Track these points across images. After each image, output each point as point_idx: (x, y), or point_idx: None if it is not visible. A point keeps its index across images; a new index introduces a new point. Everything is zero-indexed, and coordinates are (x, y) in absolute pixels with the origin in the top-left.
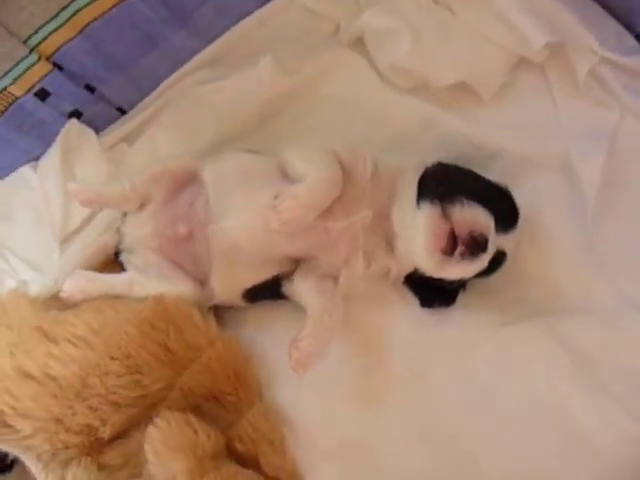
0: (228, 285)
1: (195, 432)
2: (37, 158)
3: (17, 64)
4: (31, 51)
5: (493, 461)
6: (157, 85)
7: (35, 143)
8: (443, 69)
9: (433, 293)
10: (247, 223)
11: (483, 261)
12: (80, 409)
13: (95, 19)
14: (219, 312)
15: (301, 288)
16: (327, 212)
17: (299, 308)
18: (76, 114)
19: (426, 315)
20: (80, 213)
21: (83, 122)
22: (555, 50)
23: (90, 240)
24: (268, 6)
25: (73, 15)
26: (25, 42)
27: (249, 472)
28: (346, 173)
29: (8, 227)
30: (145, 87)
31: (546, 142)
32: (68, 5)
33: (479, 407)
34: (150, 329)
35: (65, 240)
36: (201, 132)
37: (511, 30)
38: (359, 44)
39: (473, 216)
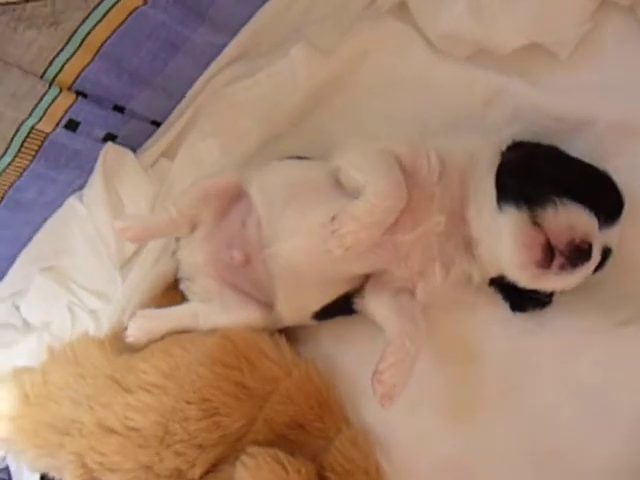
0: (295, 309)
1: (285, 469)
2: (81, 187)
3: (40, 101)
4: (50, 85)
5: (602, 477)
6: (187, 90)
7: (75, 174)
8: (507, 31)
9: (524, 296)
10: (303, 246)
11: (587, 269)
12: (166, 455)
13: (108, 38)
14: (292, 330)
15: (375, 306)
16: (394, 224)
17: None
18: (110, 137)
19: (520, 320)
20: None
21: (119, 143)
22: None
23: (147, 266)
24: None
25: (84, 39)
26: (42, 77)
27: None
28: (409, 176)
29: (69, 260)
30: (176, 94)
31: None
32: (76, 30)
33: (588, 420)
34: (222, 368)
35: (124, 266)
36: (241, 135)
37: None
38: (402, 11)
39: (571, 220)
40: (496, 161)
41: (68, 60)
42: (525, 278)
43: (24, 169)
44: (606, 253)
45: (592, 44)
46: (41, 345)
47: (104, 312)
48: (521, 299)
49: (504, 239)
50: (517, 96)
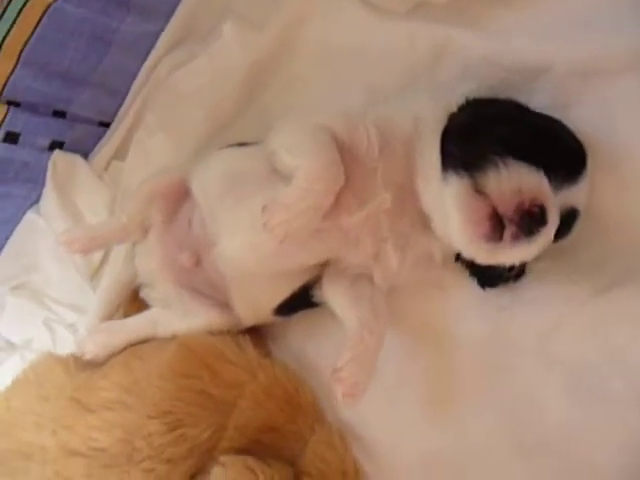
0: (252, 307)
1: (256, 477)
2: (38, 200)
3: None
4: None
5: (606, 456)
6: (130, 85)
7: (28, 187)
8: None
9: (492, 269)
10: (243, 241)
11: (546, 235)
12: (136, 473)
13: (27, 40)
14: (261, 328)
15: (332, 297)
16: (336, 206)
17: None
18: (57, 145)
19: (494, 296)
20: None
21: (68, 150)
22: None
23: (115, 273)
24: None
25: (1, 44)
26: None
27: None
28: (348, 151)
29: (39, 275)
30: (119, 91)
31: (606, 39)
32: None
33: (579, 401)
34: (182, 378)
35: (94, 275)
36: (190, 126)
37: None
38: None
39: (516, 181)
40: (442, 125)
41: None
42: (478, 254)
43: None
44: (572, 214)
45: None
46: (25, 363)
47: (81, 323)
48: (490, 273)
49: (450, 213)
50: (465, 49)
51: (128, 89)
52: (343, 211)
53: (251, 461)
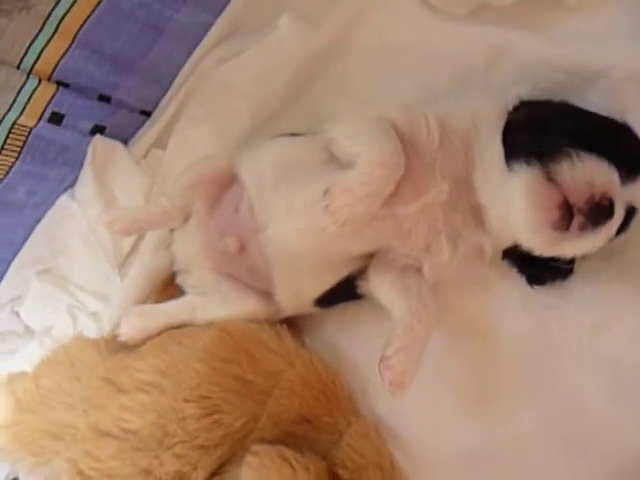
0: (295, 296)
1: (292, 467)
2: (73, 184)
3: (18, 93)
4: (28, 75)
5: None
6: (175, 76)
7: (66, 170)
8: None
9: (541, 267)
10: (296, 226)
11: (610, 229)
12: (166, 458)
13: (84, 22)
14: (293, 320)
15: (380, 288)
16: (393, 196)
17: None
18: (98, 129)
19: (540, 293)
20: None
21: (109, 136)
22: None
23: (145, 262)
24: None
25: (59, 24)
26: (18, 67)
27: None
28: (408, 143)
29: (66, 261)
30: (164, 81)
31: None
32: (50, 14)
33: (622, 401)
34: (220, 363)
35: (122, 264)
36: (234, 117)
37: None
38: None
39: (589, 173)
40: (502, 121)
41: (45, 47)
42: (541, 243)
43: (10, 167)
44: (630, 212)
45: None
46: (43, 350)
47: (104, 312)
48: (538, 271)
49: (516, 201)
50: (523, 51)
51: (173, 79)
52: (400, 200)
53: (286, 450)
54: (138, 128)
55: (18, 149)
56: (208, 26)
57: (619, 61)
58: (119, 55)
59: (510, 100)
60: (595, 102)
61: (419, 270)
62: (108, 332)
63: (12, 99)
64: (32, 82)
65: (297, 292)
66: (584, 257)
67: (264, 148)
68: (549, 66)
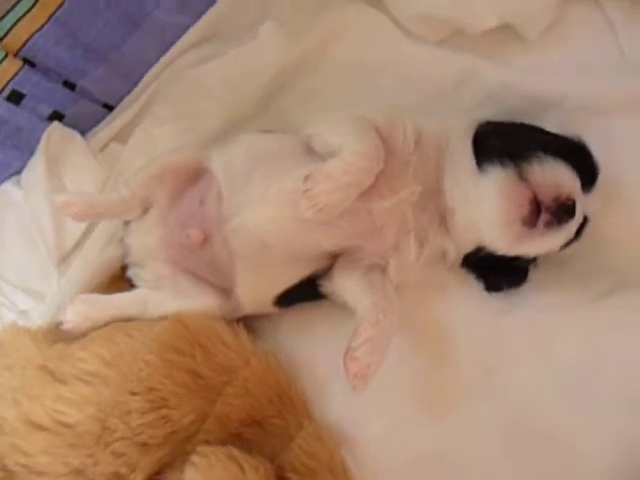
0: (256, 292)
1: (240, 467)
2: (19, 171)
3: None
4: None
5: (595, 460)
6: (145, 72)
7: (14, 154)
8: (482, 11)
9: (498, 273)
10: (272, 213)
11: (570, 230)
12: (103, 457)
13: (62, 3)
14: (248, 321)
15: (345, 286)
16: (368, 191)
17: (340, 308)
18: (57, 116)
19: (494, 300)
20: (76, 228)
21: (65, 124)
22: None
23: (91, 257)
24: None
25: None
26: None
27: None
28: (385, 142)
29: None
30: (132, 76)
31: (614, 81)
32: None
33: (572, 403)
34: (173, 355)
35: (63, 260)
36: (201, 120)
37: None
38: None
39: (557, 176)
40: (471, 133)
41: (19, 20)
42: (509, 239)
43: None
44: (583, 223)
45: (559, 28)
46: None
47: (35, 311)
48: (495, 278)
49: (488, 198)
50: (488, 77)
51: (142, 75)
52: (375, 195)
53: (234, 450)
54: (97, 121)
55: None
56: (185, 28)
57: (571, 90)
58: (92, 43)
59: (475, 120)
60: (550, 128)
61: (384, 270)
62: (45, 324)
63: None
64: None
65: (259, 288)
66: (537, 266)
67: (237, 142)
68: (510, 92)
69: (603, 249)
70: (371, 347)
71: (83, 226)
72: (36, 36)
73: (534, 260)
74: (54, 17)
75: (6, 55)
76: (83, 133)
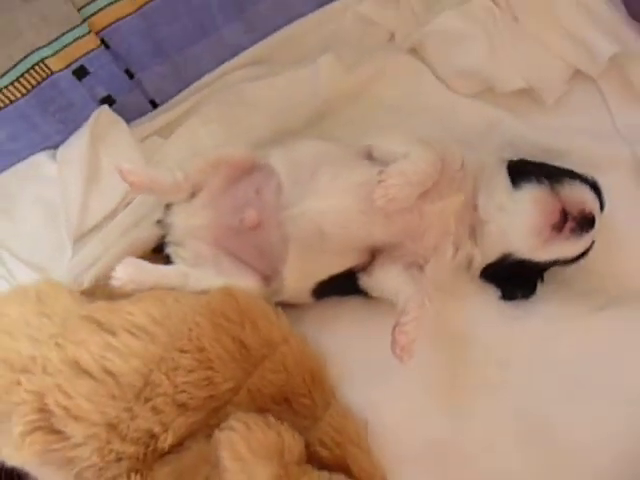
0: (302, 276)
1: (279, 434)
2: (55, 146)
3: (64, 34)
4: (84, 21)
5: (592, 453)
6: (198, 78)
7: (57, 128)
8: (512, 74)
9: (513, 284)
10: (339, 203)
11: (588, 239)
12: (141, 412)
13: None
14: None
15: (386, 277)
16: (423, 195)
17: (363, 306)
18: (108, 100)
19: (508, 307)
20: (100, 210)
21: (113, 111)
22: (610, 62)
23: (110, 240)
24: (325, 8)
25: None
26: (80, 10)
27: (341, 477)
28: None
29: (8, 223)
30: (185, 80)
31: (610, 145)
32: None
33: (571, 396)
34: (223, 320)
35: (79, 240)
36: (247, 127)
37: (573, 43)
38: (414, 52)
39: (583, 194)
40: (504, 165)
41: (112, 3)
42: (538, 243)
43: (10, 103)
44: (590, 244)
45: (568, 99)
46: None
47: None
48: (511, 288)
49: (524, 207)
50: (511, 128)
51: (194, 81)
52: (428, 199)
53: (271, 418)
54: (141, 114)
55: (30, 87)
56: (243, 49)
57: (575, 149)
58: (163, 41)
59: (505, 157)
60: None
61: (421, 268)
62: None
63: (56, 36)
64: (82, 29)
65: (306, 272)
66: (544, 282)
67: (299, 142)
68: (527, 143)
69: (598, 270)
70: (418, 324)
71: (108, 208)
72: (121, 21)
73: (542, 274)
74: (141, 10)
75: (89, 32)
76: (126, 123)
